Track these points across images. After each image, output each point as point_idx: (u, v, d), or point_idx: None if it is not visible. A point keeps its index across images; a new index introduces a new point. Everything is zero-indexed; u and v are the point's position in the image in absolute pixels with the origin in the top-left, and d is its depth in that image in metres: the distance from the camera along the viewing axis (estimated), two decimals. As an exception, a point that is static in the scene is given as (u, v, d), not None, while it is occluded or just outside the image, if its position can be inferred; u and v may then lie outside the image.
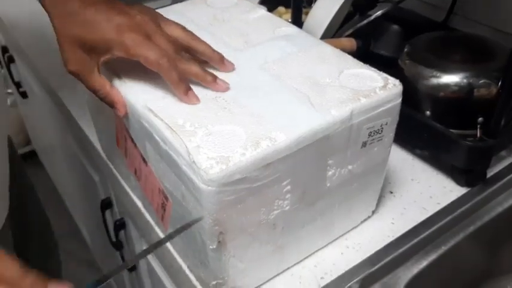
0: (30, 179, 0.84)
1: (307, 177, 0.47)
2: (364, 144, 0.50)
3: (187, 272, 0.53)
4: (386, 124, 0.50)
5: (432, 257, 0.59)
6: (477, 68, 0.65)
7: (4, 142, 0.64)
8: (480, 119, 0.61)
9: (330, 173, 0.49)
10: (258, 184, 0.42)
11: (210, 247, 0.44)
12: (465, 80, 0.65)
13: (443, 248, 0.60)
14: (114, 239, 0.90)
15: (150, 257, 0.75)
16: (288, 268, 0.54)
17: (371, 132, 0.49)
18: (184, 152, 0.41)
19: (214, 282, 0.48)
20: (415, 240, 0.57)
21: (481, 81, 0.64)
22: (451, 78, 0.65)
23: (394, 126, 0.52)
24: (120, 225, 0.85)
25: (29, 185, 0.83)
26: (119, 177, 0.65)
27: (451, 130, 0.64)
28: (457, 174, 0.65)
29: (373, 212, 0.60)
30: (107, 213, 0.92)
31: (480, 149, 0.61)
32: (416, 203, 0.62)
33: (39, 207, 0.87)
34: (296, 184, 0.46)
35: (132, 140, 0.51)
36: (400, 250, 0.56)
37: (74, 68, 0.48)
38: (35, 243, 0.83)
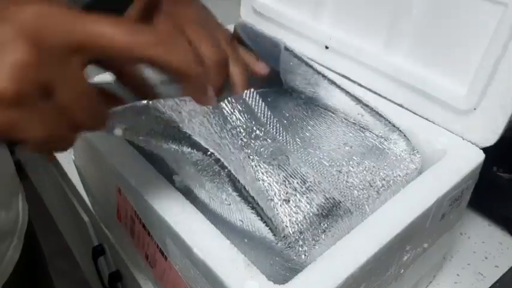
0: None
1: (384, 273, 0.37)
2: (443, 216, 0.40)
3: None
4: (467, 188, 0.41)
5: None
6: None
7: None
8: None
9: (405, 258, 0.39)
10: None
11: None
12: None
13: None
14: (109, 291, 0.79)
15: None
16: None
17: (452, 202, 0.40)
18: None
19: None
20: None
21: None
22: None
23: (473, 185, 0.43)
24: (116, 277, 0.74)
25: None
26: (117, 246, 0.55)
27: (504, 174, 0.55)
28: (515, 228, 0.56)
29: (434, 277, 0.51)
30: (101, 258, 0.80)
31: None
32: (470, 267, 0.53)
33: None
34: (371, 284, 0.36)
35: (144, 226, 0.40)
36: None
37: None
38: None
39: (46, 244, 0.81)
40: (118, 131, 0.30)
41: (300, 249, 0.33)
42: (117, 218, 0.46)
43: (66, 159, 0.68)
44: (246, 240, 0.34)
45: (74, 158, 0.51)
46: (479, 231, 0.57)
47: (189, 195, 0.37)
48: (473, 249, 0.55)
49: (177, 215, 0.34)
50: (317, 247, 0.33)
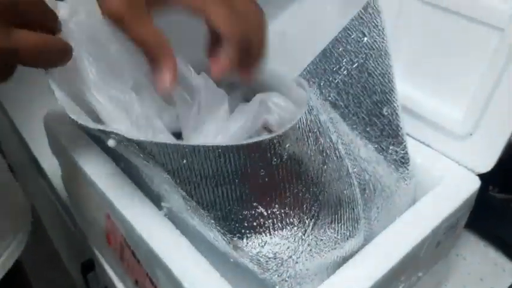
0: None
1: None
2: (438, 244, 0.40)
3: None
4: (462, 215, 0.41)
5: None
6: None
7: None
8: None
9: (399, 288, 0.38)
10: None
11: None
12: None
13: None
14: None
15: None
16: None
17: (447, 230, 0.39)
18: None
19: None
20: None
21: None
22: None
23: (469, 211, 0.42)
24: (106, 293, 0.72)
25: None
26: (106, 266, 0.53)
27: (499, 194, 0.55)
28: (510, 249, 0.55)
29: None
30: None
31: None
32: (466, 290, 0.53)
33: None
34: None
35: (134, 254, 0.39)
36: None
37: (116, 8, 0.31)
38: None
39: (36, 253, 0.79)
40: (112, 142, 0.29)
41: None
42: (106, 240, 0.45)
43: (55, 175, 0.67)
44: (237, 269, 0.33)
45: (62, 175, 0.50)
46: (475, 253, 0.56)
47: (177, 222, 0.36)
48: (468, 271, 0.54)
49: (167, 246, 0.33)
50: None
